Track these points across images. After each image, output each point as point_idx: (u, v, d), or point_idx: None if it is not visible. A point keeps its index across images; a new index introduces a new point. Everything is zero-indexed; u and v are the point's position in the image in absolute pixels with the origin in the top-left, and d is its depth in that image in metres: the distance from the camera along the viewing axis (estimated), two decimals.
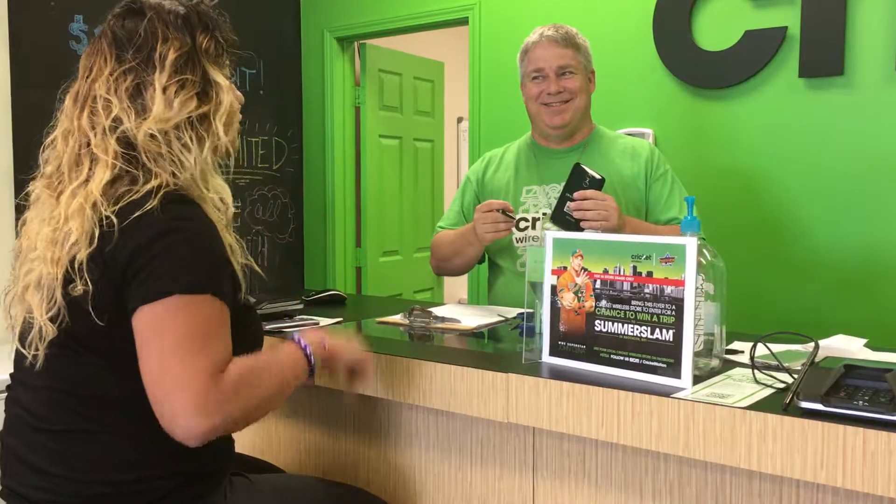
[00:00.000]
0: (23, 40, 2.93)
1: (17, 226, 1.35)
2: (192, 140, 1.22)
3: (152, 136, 1.19)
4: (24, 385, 1.25)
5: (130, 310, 1.14)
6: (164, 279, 1.14)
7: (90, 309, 1.14)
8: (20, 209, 1.35)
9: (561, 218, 1.88)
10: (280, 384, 1.24)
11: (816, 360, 1.25)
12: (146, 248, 1.14)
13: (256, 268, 1.25)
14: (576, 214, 1.86)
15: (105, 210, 1.15)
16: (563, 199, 1.89)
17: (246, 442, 1.82)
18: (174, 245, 1.16)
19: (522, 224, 2.16)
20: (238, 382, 1.14)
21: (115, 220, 1.14)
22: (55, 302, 1.16)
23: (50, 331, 1.16)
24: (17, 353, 1.26)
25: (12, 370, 1.32)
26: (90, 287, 1.14)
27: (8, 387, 1.32)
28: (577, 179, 1.89)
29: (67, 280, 1.15)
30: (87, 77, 1.25)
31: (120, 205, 1.15)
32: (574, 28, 2.16)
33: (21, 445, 1.23)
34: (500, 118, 3.44)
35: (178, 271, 1.14)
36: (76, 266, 1.14)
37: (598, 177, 1.88)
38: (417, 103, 4.48)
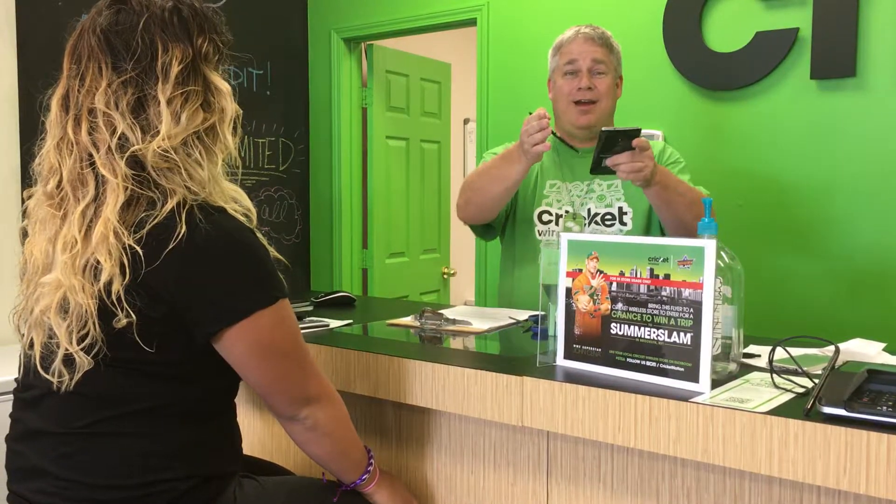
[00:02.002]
0: (30, 39, 2.92)
1: (20, 234, 1.30)
2: (202, 155, 1.19)
3: (162, 155, 1.15)
4: (37, 389, 1.23)
5: (206, 333, 1.17)
6: (236, 298, 1.16)
7: (136, 338, 1.13)
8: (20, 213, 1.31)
9: (599, 168, 1.82)
10: (350, 440, 1.36)
11: (836, 364, 1.23)
12: (200, 270, 1.14)
13: (285, 261, 1.25)
14: (610, 165, 1.81)
15: (128, 239, 1.11)
16: (598, 160, 1.82)
17: (255, 443, 1.81)
18: (230, 261, 1.16)
19: (546, 217, 2.15)
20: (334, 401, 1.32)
21: (145, 246, 1.11)
22: (90, 333, 1.12)
23: (86, 362, 1.13)
24: (30, 362, 1.22)
25: (18, 374, 1.30)
26: (134, 318, 1.12)
27: (15, 390, 1.30)
28: (609, 144, 1.79)
29: (103, 311, 1.12)
30: (80, 85, 1.18)
31: (146, 228, 1.12)
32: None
33: (30, 450, 1.22)
34: (507, 119, 3.43)
35: (246, 287, 1.17)
36: (114, 298, 1.11)
37: (631, 130, 1.78)
38: (424, 104, 4.46)
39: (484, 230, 2.24)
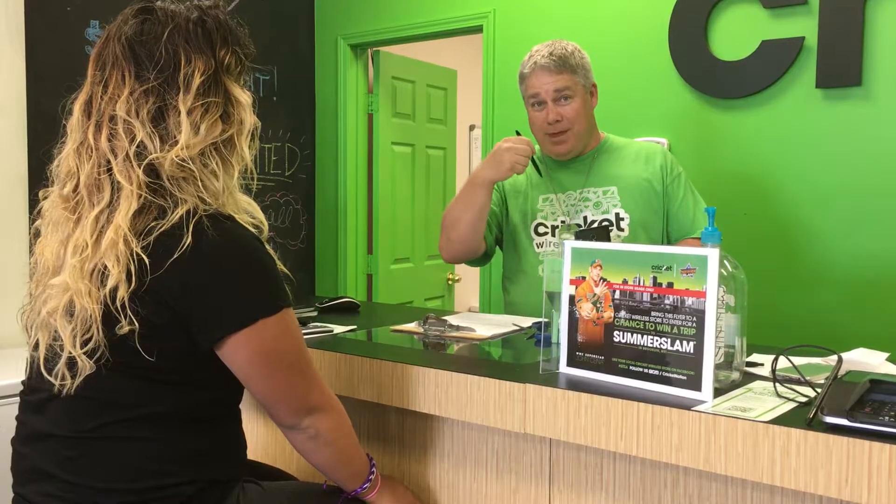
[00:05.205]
0: (39, 46, 2.94)
1: (30, 234, 1.31)
2: (218, 166, 1.20)
3: (179, 164, 1.16)
4: (41, 392, 1.23)
5: (209, 339, 1.17)
6: (240, 305, 1.17)
7: (137, 346, 1.13)
8: (34, 213, 1.31)
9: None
10: (352, 450, 1.36)
11: (839, 374, 1.23)
12: (205, 277, 1.14)
13: (290, 274, 1.25)
14: None
15: (136, 246, 1.12)
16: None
17: (259, 448, 1.81)
18: (235, 269, 1.16)
19: (541, 229, 2.17)
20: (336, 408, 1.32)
21: (152, 254, 1.12)
22: (93, 338, 1.13)
23: (87, 366, 1.14)
24: (35, 364, 1.23)
25: (25, 377, 1.30)
26: (137, 326, 1.12)
27: (21, 392, 1.31)
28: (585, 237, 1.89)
29: (108, 317, 1.13)
30: (103, 92, 1.19)
31: (154, 235, 1.13)
32: (572, 44, 2.14)
33: (36, 453, 1.22)
34: (512, 126, 3.42)
35: (250, 295, 1.18)
36: (118, 305, 1.11)
37: (601, 223, 2.00)
38: (430, 111, 4.47)
39: (474, 260, 2.26)
